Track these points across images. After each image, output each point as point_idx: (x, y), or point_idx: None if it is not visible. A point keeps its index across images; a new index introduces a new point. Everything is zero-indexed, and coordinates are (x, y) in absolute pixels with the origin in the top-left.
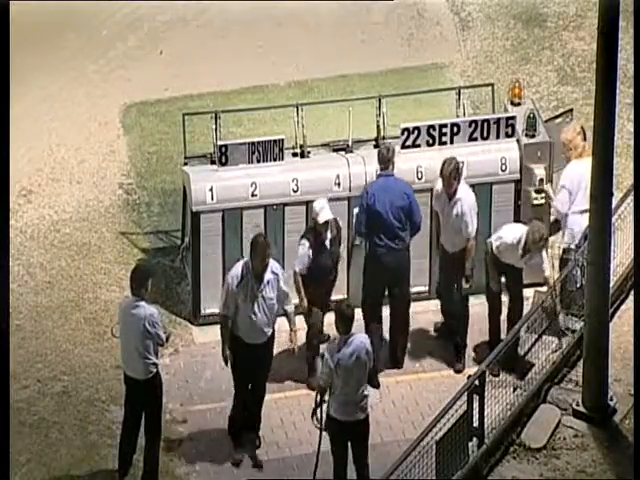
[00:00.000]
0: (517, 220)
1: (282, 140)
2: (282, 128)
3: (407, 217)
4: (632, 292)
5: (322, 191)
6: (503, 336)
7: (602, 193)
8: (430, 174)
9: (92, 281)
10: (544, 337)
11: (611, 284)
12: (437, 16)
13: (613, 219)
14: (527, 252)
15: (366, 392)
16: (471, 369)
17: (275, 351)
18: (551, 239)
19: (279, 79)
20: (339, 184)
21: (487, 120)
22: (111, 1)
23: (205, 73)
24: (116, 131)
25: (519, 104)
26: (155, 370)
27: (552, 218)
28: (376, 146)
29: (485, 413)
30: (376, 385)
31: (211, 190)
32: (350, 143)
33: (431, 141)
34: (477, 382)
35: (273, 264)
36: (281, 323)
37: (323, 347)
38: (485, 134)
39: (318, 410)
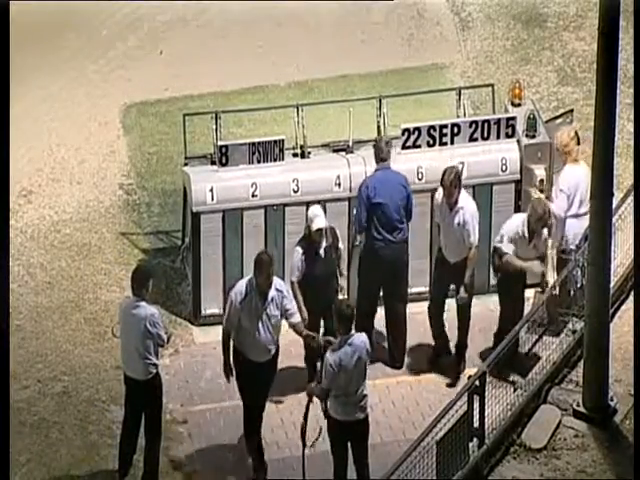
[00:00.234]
0: None
1: (282, 140)
2: (282, 128)
3: (405, 209)
4: (632, 292)
5: (322, 192)
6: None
7: (602, 193)
8: (431, 175)
9: (92, 281)
10: (544, 337)
11: (611, 284)
12: (437, 16)
13: (613, 219)
14: (533, 233)
15: (365, 391)
16: (471, 370)
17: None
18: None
19: (279, 79)
20: (339, 184)
21: (487, 121)
22: (111, 1)
23: (205, 73)
24: (116, 131)
25: (519, 105)
26: (155, 370)
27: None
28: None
29: (485, 413)
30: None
31: (211, 190)
32: (350, 143)
33: (431, 142)
34: (477, 382)
35: (277, 281)
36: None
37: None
38: (485, 135)
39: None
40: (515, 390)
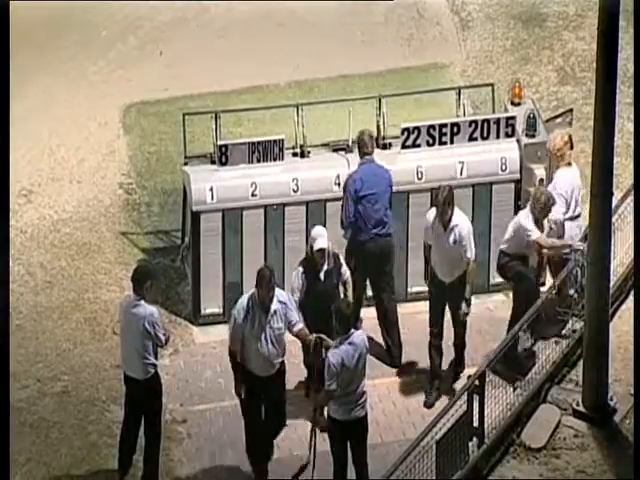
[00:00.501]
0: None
1: (282, 140)
2: (282, 128)
3: (390, 201)
4: (632, 292)
5: (322, 191)
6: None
7: (602, 193)
8: (430, 174)
9: (92, 281)
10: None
11: (611, 284)
12: (437, 16)
13: (613, 219)
14: (539, 223)
15: (365, 389)
16: (470, 369)
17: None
18: None
19: (279, 79)
20: (339, 184)
21: (487, 120)
22: (111, 2)
23: (205, 73)
24: (116, 131)
25: (519, 104)
26: (153, 370)
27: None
28: (376, 145)
29: (485, 413)
30: None
31: (211, 190)
32: (350, 143)
33: (431, 141)
34: (477, 382)
35: (280, 293)
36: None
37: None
38: (485, 134)
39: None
40: (515, 389)
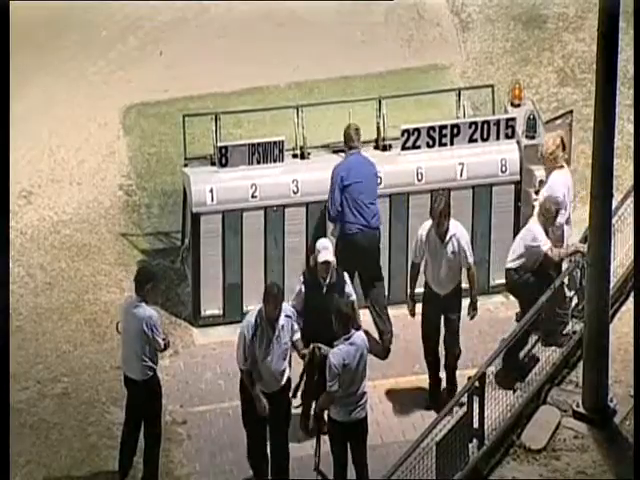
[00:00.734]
0: (516, 221)
1: (282, 141)
2: (282, 129)
3: (376, 192)
4: (632, 293)
5: (322, 192)
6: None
7: (602, 194)
8: (430, 175)
9: (92, 282)
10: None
11: (611, 285)
12: (437, 17)
13: (613, 220)
14: (547, 234)
15: (365, 390)
16: (471, 371)
17: None
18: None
19: (279, 80)
20: None
21: (487, 121)
22: (111, 2)
23: (205, 74)
24: (116, 132)
25: (519, 105)
26: (151, 373)
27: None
28: (376, 147)
29: (485, 414)
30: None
31: (211, 191)
32: None
33: (431, 142)
34: (477, 383)
35: (285, 307)
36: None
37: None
38: (485, 135)
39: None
40: (515, 391)
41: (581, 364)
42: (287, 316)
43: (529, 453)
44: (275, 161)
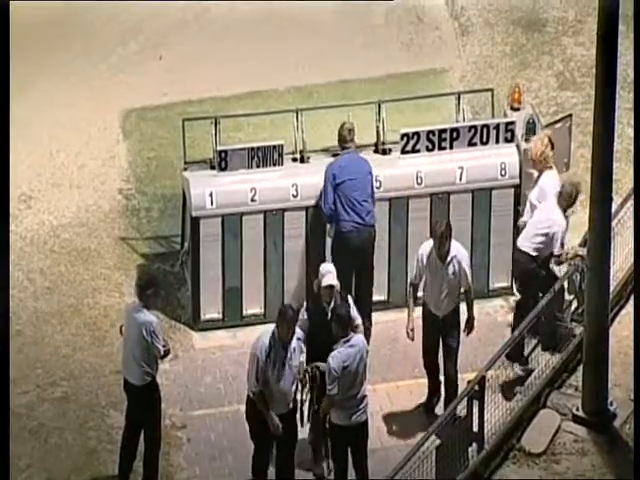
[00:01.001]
0: (516, 225)
1: (282, 145)
2: (282, 133)
3: (371, 191)
4: (632, 296)
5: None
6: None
7: (602, 198)
8: (430, 179)
9: (92, 286)
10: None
11: (611, 289)
12: (437, 21)
13: (613, 224)
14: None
15: (365, 393)
16: (471, 374)
17: None
18: None
19: (278, 84)
20: None
21: (487, 125)
22: (111, 5)
23: (204, 78)
24: (116, 136)
25: (518, 109)
26: (149, 379)
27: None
28: (376, 151)
29: (485, 418)
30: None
31: (211, 195)
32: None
33: (431, 146)
34: (477, 387)
35: (298, 331)
36: None
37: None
38: (485, 139)
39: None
40: (514, 395)
41: (581, 368)
42: (298, 338)
43: (529, 457)
44: (275, 165)
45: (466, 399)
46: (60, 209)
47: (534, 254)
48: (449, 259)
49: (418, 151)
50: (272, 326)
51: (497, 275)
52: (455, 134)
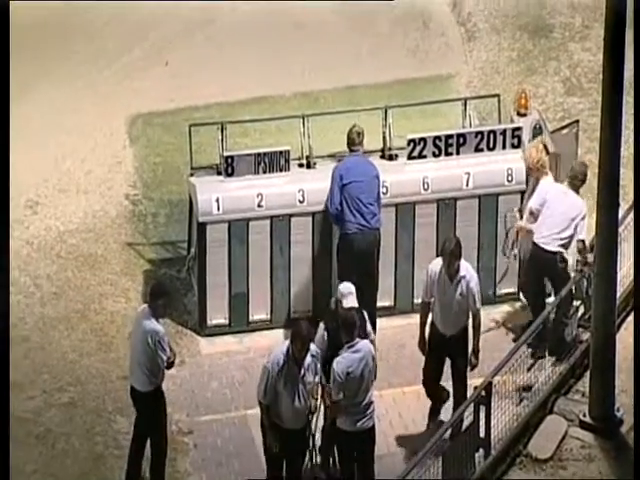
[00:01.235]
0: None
1: (288, 151)
2: (288, 139)
3: (377, 194)
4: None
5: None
6: None
7: (608, 204)
8: (436, 185)
9: (98, 292)
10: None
11: (617, 295)
12: (443, 27)
13: (619, 230)
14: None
15: (372, 399)
16: (477, 380)
17: None
18: None
19: (285, 90)
20: None
21: (493, 131)
22: (118, 11)
23: (211, 84)
24: (122, 142)
25: (525, 115)
26: (152, 387)
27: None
28: (382, 157)
29: (492, 424)
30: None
31: (217, 201)
32: None
33: (437, 152)
34: (483, 393)
35: (312, 347)
36: None
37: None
38: (491, 145)
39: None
40: (521, 400)
41: (588, 374)
42: (313, 356)
43: (536, 463)
44: (281, 170)
45: (473, 405)
46: (67, 215)
47: (562, 250)
48: (458, 278)
49: (425, 157)
50: (287, 341)
51: (504, 281)
52: (462, 140)
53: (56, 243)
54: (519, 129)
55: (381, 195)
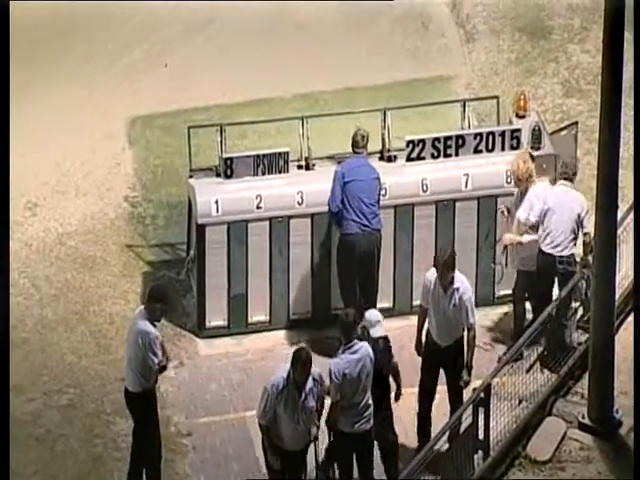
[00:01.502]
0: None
1: (287, 152)
2: (287, 140)
3: (377, 193)
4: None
5: (327, 203)
6: None
7: (607, 205)
8: (435, 186)
9: (97, 294)
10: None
11: (616, 296)
12: (442, 28)
13: (618, 231)
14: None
15: (370, 402)
16: (476, 382)
17: None
18: None
19: (284, 91)
20: None
21: (492, 132)
22: (118, 11)
23: (210, 86)
24: (122, 144)
25: (524, 116)
26: (142, 389)
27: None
28: (381, 158)
29: (490, 425)
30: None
31: (216, 203)
32: None
33: (436, 153)
34: (482, 394)
35: (314, 371)
36: None
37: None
38: (490, 146)
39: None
40: (520, 402)
41: (586, 375)
42: (314, 380)
43: (534, 464)
44: (280, 172)
45: (472, 406)
46: (66, 217)
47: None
48: (451, 290)
49: (423, 158)
50: (288, 365)
51: (503, 283)
52: (461, 141)
53: (55, 245)
54: (518, 131)
55: (381, 198)
